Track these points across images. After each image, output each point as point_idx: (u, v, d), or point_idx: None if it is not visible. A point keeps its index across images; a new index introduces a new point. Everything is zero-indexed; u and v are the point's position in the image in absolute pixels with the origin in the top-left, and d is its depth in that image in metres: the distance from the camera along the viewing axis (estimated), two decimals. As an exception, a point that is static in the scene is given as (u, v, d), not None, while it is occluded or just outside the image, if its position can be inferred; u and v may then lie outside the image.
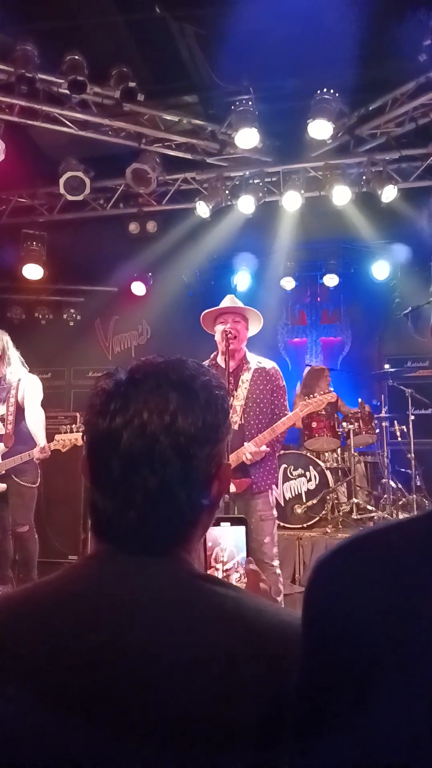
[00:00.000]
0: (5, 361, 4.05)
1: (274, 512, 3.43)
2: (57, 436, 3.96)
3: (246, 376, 3.37)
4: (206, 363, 3.44)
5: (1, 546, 4.05)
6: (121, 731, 0.70)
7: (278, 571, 3.35)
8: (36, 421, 3.98)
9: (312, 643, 0.62)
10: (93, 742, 0.69)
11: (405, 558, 0.56)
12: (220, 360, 3.39)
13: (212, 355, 3.50)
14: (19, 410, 3.97)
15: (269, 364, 3.47)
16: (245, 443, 3.28)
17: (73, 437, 3.91)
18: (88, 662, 0.72)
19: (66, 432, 3.97)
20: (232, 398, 3.28)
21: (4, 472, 3.92)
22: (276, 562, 3.35)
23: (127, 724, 0.69)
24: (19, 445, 3.94)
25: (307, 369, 6.23)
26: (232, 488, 3.19)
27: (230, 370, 3.28)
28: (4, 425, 3.96)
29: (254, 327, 3.46)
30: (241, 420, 3.32)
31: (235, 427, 3.29)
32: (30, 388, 4.02)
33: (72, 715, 0.71)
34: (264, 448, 3.28)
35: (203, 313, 3.46)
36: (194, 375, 0.88)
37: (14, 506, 3.97)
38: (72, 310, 7.54)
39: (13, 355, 4.09)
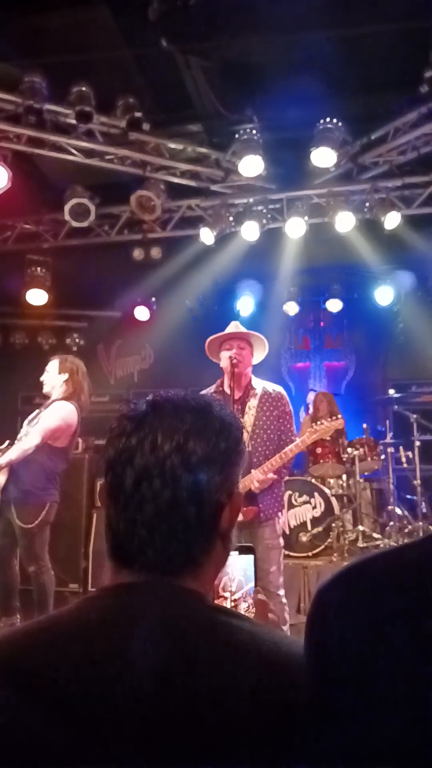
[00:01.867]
0: (49, 391, 4.01)
1: (281, 540, 3.38)
2: None
3: (252, 403, 3.34)
4: (212, 389, 3.44)
5: (7, 577, 3.93)
6: (135, 762, 0.68)
7: (284, 600, 3.29)
8: (24, 440, 3.79)
9: (314, 673, 0.61)
10: None
11: (406, 583, 0.56)
12: (227, 387, 3.37)
13: (217, 382, 3.48)
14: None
15: (275, 389, 3.44)
16: (252, 470, 3.24)
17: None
18: (103, 693, 0.71)
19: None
20: (231, 403, 3.25)
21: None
22: (282, 591, 3.29)
23: (142, 756, 0.68)
24: (22, 467, 3.80)
25: (313, 394, 6.21)
26: (239, 517, 3.14)
27: (236, 397, 3.26)
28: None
29: (259, 354, 3.45)
30: (248, 447, 3.28)
31: None
32: (46, 413, 3.90)
33: (86, 746, 0.69)
34: (272, 475, 3.25)
35: (208, 340, 3.44)
36: (212, 403, 0.92)
37: (19, 544, 3.84)
38: (75, 335, 7.57)
39: (52, 383, 4.01)
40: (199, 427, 0.86)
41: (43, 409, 3.96)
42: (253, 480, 3.21)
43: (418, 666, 0.51)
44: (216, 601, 1.16)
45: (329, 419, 3.57)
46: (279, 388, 3.46)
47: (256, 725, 0.68)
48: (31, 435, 3.80)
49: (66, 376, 4.01)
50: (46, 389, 4.05)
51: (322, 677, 0.60)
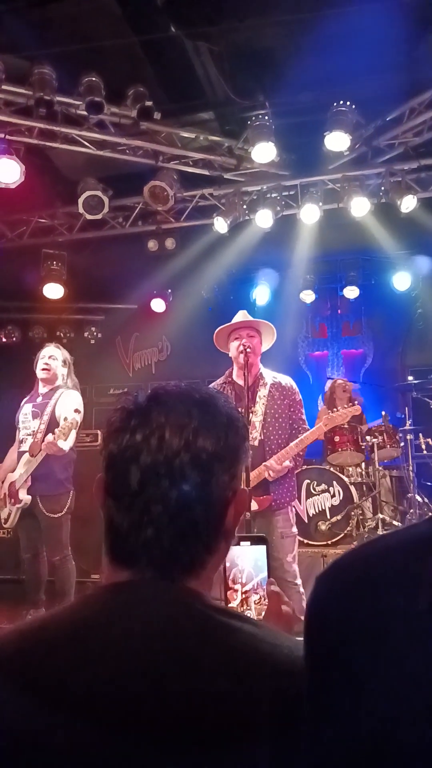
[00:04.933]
0: (51, 378, 4.03)
1: (295, 529, 3.38)
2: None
3: (263, 392, 3.34)
4: (221, 380, 3.43)
5: (33, 569, 3.98)
6: (129, 765, 0.66)
7: (302, 589, 3.28)
8: (62, 439, 3.74)
9: (312, 665, 0.60)
10: None
11: (406, 566, 0.54)
12: (236, 377, 3.36)
13: (226, 373, 3.47)
14: (53, 426, 3.84)
15: (285, 379, 3.44)
16: (267, 459, 3.23)
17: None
18: (96, 694, 0.69)
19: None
20: (251, 414, 3.24)
21: (29, 482, 3.86)
22: (299, 581, 3.28)
23: (135, 760, 0.66)
24: (49, 461, 3.85)
25: (329, 382, 6.16)
26: (254, 506, 3.14)
27: (246, 388, 3.25)
28: (33, 439, 3.88)
29: (267, 342, 3.44)
30: (260, 436, 3.28)
31: (255, 443, 3.25)
32: (63, 402, 3.92)
33: (79, 748, 0.67)
34: (287, 463, 3.23)
35: (216, 331, 3.45)
36: (216, 396, 0.89)
37: (45, 537, 3.90)
38: (93, 328, 7.60)
39: (60, 372, 4.06)
40: (207, 423, 0.83)
41: (53, 399, 3.96)
42: (268, 469, 3.20)
43: (411, 659, 0.49)
44: (227, 593, 1.15)
45: (345, 406, 3.55)
46: (288, 378, 3.46)
47: (253, 729, 0.66)
48: (67, 433, 3.73)
49: (65, 370, 4.09)
50: (48, 375, 4.04)
51: (313, 674, 0.58)
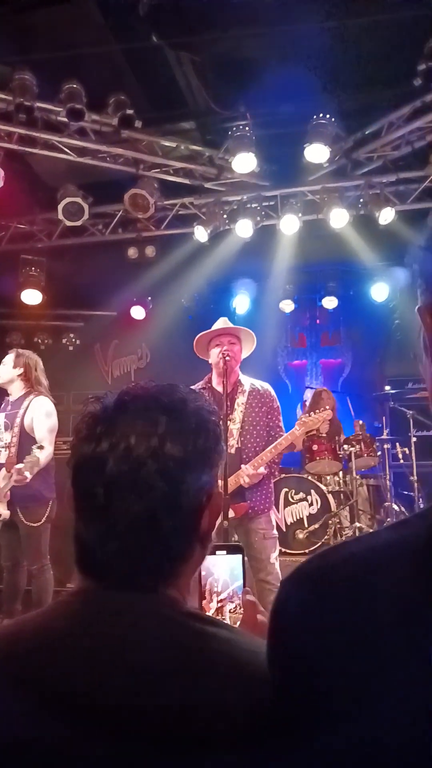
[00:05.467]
0: (20, 384, 3.95)
1: (275, 531, 3.38)
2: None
3: (241, 399, 3.34)
4: (199, 385, 3.43)
5: (12, 579, 3.91)
6: None
7: None
8: (36, 451, 3.65)
9: (277, 680, 0.59)
10: None
11: (365, 575, 0.54)
12: (215, 383, 3.37)
13: (204, 379, 3.47)
14: (25, 436, 3.78)
15: (263, 386, 3.45)
16: (243, 466, 3.23)
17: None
18: (69, 707, 0.67)
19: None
20: (229, 422, 3.24)
21: (8, 496, 3.78)
22: (279, 581, 3.28)
23: None
24: None
25: (309, 392, 6.19)
26: (231, 513, 3.13)
27: (225, 394, 3.25)
28: (7, 451, 3.81)
29: (247, 349, 3.46)
30: (238, 444, 3.27)
31: (232, 450, 3.24)
32: (31, 410, 3.84)
33: (50, 761, 0.65)
34: (262, 470, 3.23)
35: (198, 337, 3.45)
36: (185, 399, 0.85)
37: (24, 545, 3.83)
38: (71, 335, 7.55)
39: (9, 376, 3.94)
40: (175, 429, 0.79)
41: (22, 407, 3.87)
42: (243, 475, 3.20)
43: (368, 668, 0.49)
44: (203, 602, 1.13)
45: (317, 411, 3.57)
46: (266, 385, 3.47)
47: (229, 738, 0.65)
48: (43, 443, 3.68)
49: (20, 370, 3.95)
50: (2, 382, 3.97)
51: (274, 678, 0.58)
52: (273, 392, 3.45)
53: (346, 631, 0.51)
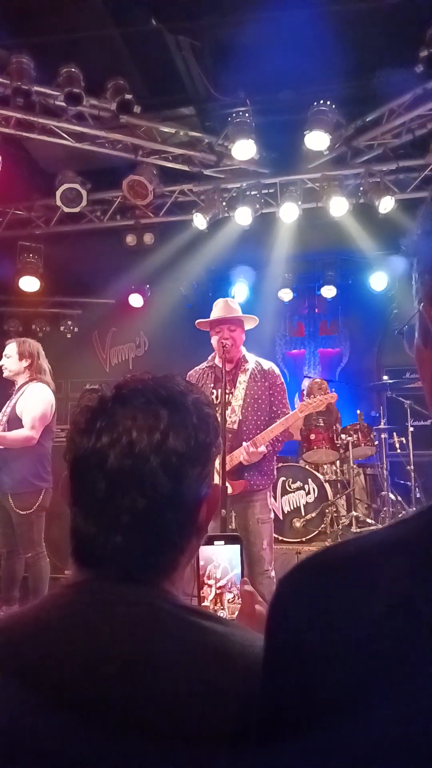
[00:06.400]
0: (13, 375, 3.97)
1: (272, 515, 3.41)
2: None
3: (243, 377, 3.37)
4: (204, 365, 3.45)
5: (8, 565, 3.93)
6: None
7: (273, 574, 3.33)
8: (13, 432, 3.76)
9: (272, 673, 0.58)
10: None
11: (362, 574, 0.54)
12: (218, 361, 3.39)
13: (209, 357, 3.50)
14: (14, 422, 3.79)
15: (267, 364, 3.47)
16: (243, 443, 3.25)
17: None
18: (62, 698, 0.67)
19: None
20: (231, 397, 3.25)
21: None
22: (272, 566, 3.33)
23: (101, 762, 0.65)
24: (14, 457, 3.76)
25: (306, 381, 6.20)
26: (228, 489, 3.17)
27: (227, 370, 3.29)
28: None
29: (249, 325, 3.47)
30: (240, 417, 3.30)
31: (234, 426, 3.27)
32: (27, 397, 3.85)
33: (44, 753, 0.66)
34: (262, 449, 3.25)
35: (198, 322, 3.46)
36: (185, 392, 0.84)
37: (17, 533, 3.84)
38: (69, 323, 7.53)
39: (18, 368, 3.97)
40: (176, 423, 0.79)
41: (18, 393, 3.91)
42: (242, 452, 3.22)
43: (364, 669, 0.49)
44: (201, 590, 1.14)
45: (322, 394, 3.59)
46: (271, 364, 3.50)
47: (221, 731, 0.65)
48: (22, 429, 3.75)
49: (27, 362, 3.98)
50: (6, 374, 4.00)
51: (268, 675, 0.58)
52: (278, 370, 3.47)
53: (343, 630, 0.51)
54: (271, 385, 3.39)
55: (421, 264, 0.60)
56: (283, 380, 3.47)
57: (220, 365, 3.32)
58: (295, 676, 0.53)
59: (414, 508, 4.04)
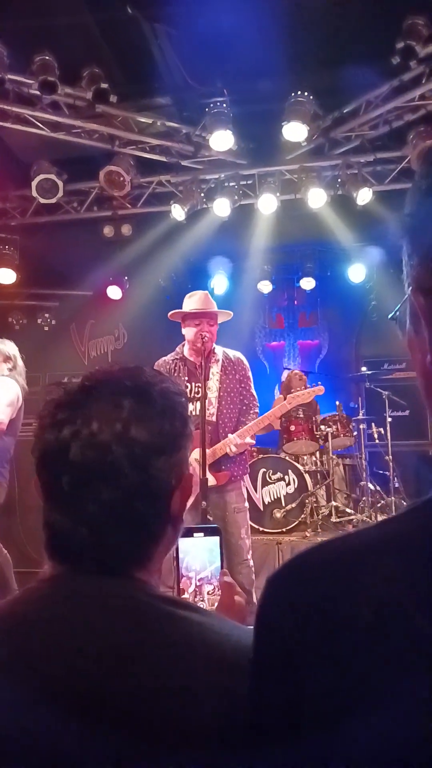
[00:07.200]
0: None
1: (247, 504, 3.46)
2: None
3: (215, 369, 3.39)
4: (171, 356, 3.45)
5: None
6: (77, 764, 0.64)
7: (251, 563, 3.37)
8: None
9: (260, 670, 0.57)
10: None
11: (352, 575, 0.52)
12: (188, 354, 3.38)
13: (177, 349, 3.50)
14: None
15: (234, 353, 3.51)
16: (230, 435, 3.27)
17: None
18: (39, 692, 0.67)
19: None
20: (206, 389, 3.26)
21: None
22: (249, 555, 3.37)
23: (82, 758, 0.64)
24: None
25: (286, 373, 6.22)
26: (213, 481, 3.19)
27: (198, 364, 3.31)
28: None
29: (223, 319, 3.49)
30: (215, 411, 3.32)
31: (213, 418, 3.29)
32: None
33: (20, 747, 0.65)
34: (249, 440, 3.30)
35: (174, 313, 3.45)
36: (151, 382, 0.83)
37: None
38: (47, 315, 7.42)
39: (7, 366, 3.94)
40: (140, 412, 0.78)
41: None
42: (229, 444, 3.24)
43: (355, 670, 0.48)
44: (180, 582, 1.14)
45: (302, 386, 3.63)
46: (238, 353, 3.53)
47: (198, 724, 0.65)
48: None
49: (11, 364, 3.96)
50: None
51: (257, 677, 0.57)
52: (245, 361, 3.52)
53: (333, 635, 0.50)
54: (242, 377, 3.44)
55: (409, 246, 0.58)
56: (250, 371, 3.52)
57: (191, 358, 3.33)
58: (285, 683, 0.52)
59: (393, 498, 4.06)
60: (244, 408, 3.40)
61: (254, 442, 3.37)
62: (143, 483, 0.77)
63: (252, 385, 3.50)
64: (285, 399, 3.73)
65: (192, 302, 3.42)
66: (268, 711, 0.54)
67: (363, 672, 0.47)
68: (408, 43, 4.13)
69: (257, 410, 3.48)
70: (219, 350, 3.47)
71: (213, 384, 3.34)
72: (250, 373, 3.50)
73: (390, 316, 0.65)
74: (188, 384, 3.32)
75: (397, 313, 0.63)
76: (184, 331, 3.40)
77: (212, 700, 0.66)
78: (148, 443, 0.78)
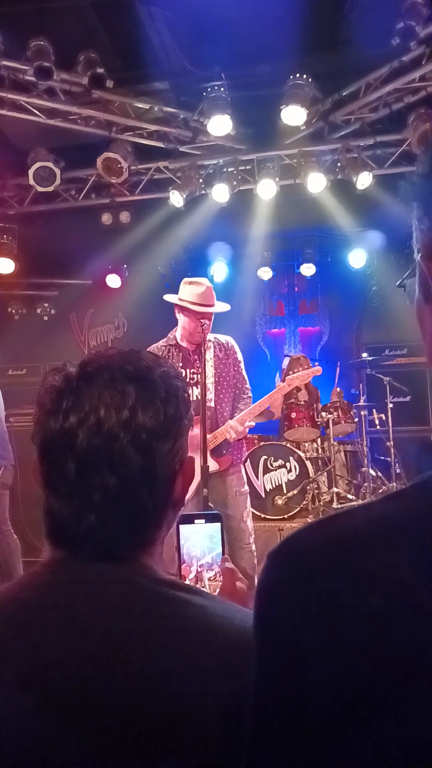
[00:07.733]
0: None
1: (246, 487, 3.48)
2: None
3: (209, 354, 3.39)
4: (162, 342, 3.43)
5: None
6: (76, 751, 0.64)
7: (253, 547, 3.39)
8: None
9: (261, 649, 0.54)
10: (46, 765, 0.64)
11: (362, 559, 0.49)
12: (181, 340, 3.37)
13: (169, 335, 3.48)
14: None
15: (224, 338, 3.51)
16: (229, 421, 3.30)
17: None
18: (42, 678, 0.67)
19: None
20: (202, 376, 3.26)
21: None
22: (252, 538, 3.39)
23: (84, 744, 0.64)
24: None
25: (287, 360, 6.20)
26: (215, 466, 3.20)
27: (192, 350, 3.34)
28: None
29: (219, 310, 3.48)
30: (213, 396, 3.32)
31: (211, 404, 3.30)
32: None
33: (24, 734, 0.65)
34: (249, 423, 3.31)
35: (178, 305, 3.41)
36: (151, 366, 0.83)
37: None
38: (46, 304, 7.41)
39: None
40: (145, 399, 0.78)
41: None
42: (229, 430, 3.24)
43: (362, 654, 0.45)
44: (182, 567, 1.14)
45: (306, 368, 3.64)
46: (228, 337, 3.53)
47: (203, 707, 0.64)
48: None
49: None
50: None
51: (261, 657, 0.53)
52: (235, 344, 3.52)
53: (341, 627, 0.46)
54: (233, 361, 3.45)
55: (420, 209, 0.55)
56: (240, 353, 3.53)
57: (185, 344, 3.32)
58: (292, 679, 0.49)
59: (394, 484, 4.03)
60: (237, 392, 3.41)
61: (253, 425, 3.37)
62: (148, 469, 0.77)
63: (243, 366, 3.50)
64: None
65: (196, 295, 3.34)
66: (275, 712, 0.50)
67: (376, 670, 0.44)
68: (408, 23, 4.07)
69: (250, 393, 3.48)
70: (210, 335, 3.44)
71: (209, 370, 3.33)
72: (240, 355, 3.50)
73: (398, 283, 0.63)
74: (183, 370, 3.30)
75: (406, 280, 0.61)
76: (179, 316, 3.37)
77: (215, 682, 0.66)
78: (154, 429, 0.78)
